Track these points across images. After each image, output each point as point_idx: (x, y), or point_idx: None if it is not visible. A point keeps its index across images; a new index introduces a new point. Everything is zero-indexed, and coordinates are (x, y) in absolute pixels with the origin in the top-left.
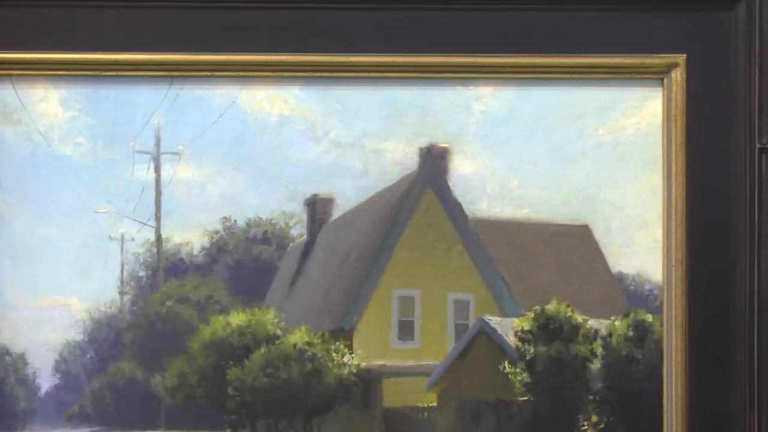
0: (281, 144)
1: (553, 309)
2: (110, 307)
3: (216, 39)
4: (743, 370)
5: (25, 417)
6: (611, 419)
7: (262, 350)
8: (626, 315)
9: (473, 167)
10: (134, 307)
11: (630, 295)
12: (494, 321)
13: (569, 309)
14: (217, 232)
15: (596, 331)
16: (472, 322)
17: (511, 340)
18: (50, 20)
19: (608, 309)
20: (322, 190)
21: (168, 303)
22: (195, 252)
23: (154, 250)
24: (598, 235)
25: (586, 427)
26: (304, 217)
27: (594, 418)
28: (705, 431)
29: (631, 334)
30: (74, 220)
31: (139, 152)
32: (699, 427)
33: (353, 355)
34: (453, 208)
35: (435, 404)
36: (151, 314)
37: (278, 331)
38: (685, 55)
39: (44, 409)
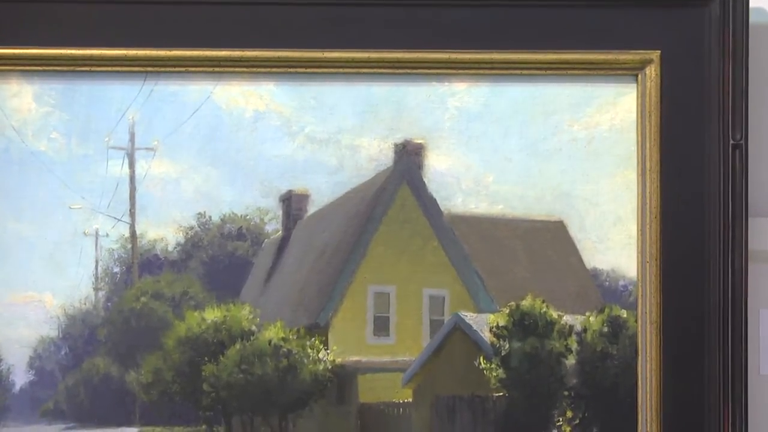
0: (256, 140)
1: (528, 305)
2: (85, 303)
3: (190, 34)
4: (717, 366)
5: None
6: (586, 414)
7: (237, 346)
8: (601, 311)
9: (448, 163)
10: (109, 303)
11: (604, 290)
12: (469, 317)
13: (544, 305)
14: (191, 228)
15: (571, 327)
16: (447, 318)
17: (486, 335)
18: (24, 15)
19: (583, 305)
20: (297, 185)
21: (143, 299)
22: (170, 248)
23: (129, 246)
24: (573, 230)
25: (561, 423)
26: (279, 212)
27: (569, 414)
28: (679, 427)
29: (605, 329)
30: (48, 215)
31: (113, 148)
32: (673, 422)
33: (328, 351)
34: (428, 204)
35: (410, 400)
36: (125, 310)
37: (253, 327)
38: (659, 52)
39: (18, 406)
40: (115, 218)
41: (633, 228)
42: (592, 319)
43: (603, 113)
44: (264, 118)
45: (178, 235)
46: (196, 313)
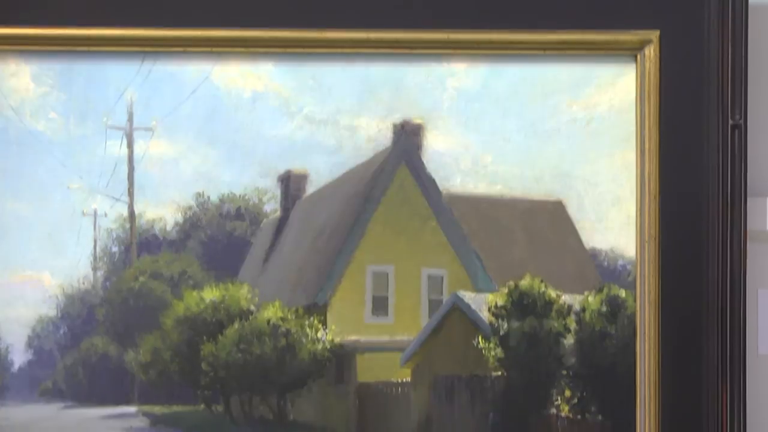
0: (255, 120)
1: (527, 284)
2: (83, 283)
3: (189, 14)
4: (716, 346)
5: None
6: (584, 394)
7: (236, 326)
8: (599, 290)
9: (447, 143)
10: (107, 283)
11: (603, 270)
12: (468, 296)
13: (543, 284)
14: (190, 207)
15: (569, 307)
16: (446, 297)
17: (485, 315)
18: None
19: (582, 284)
20: (296, 166)
21: (141, 279)
22: (168, 228)
23: (127, 225)
24: (572, 211)
25: (559, 402)
26: (278, 193)
27: (567, 393)
28: (677, 406)
29: (604, 309)
30: (46, 195)
31: (111, 128)
32: (671, 401)
33: (327, 330)
34: (427, 184)
35: (409, 379)
36: (124, 290)
37: (252, 307)
38: (658, 32)
39: (17, 385)
40: (113, 198)
41: (632, 208)
42: (590, 298)
43: (602, 93)
44: (262, 98)
45: (176, 215)
46: (194, 293)
